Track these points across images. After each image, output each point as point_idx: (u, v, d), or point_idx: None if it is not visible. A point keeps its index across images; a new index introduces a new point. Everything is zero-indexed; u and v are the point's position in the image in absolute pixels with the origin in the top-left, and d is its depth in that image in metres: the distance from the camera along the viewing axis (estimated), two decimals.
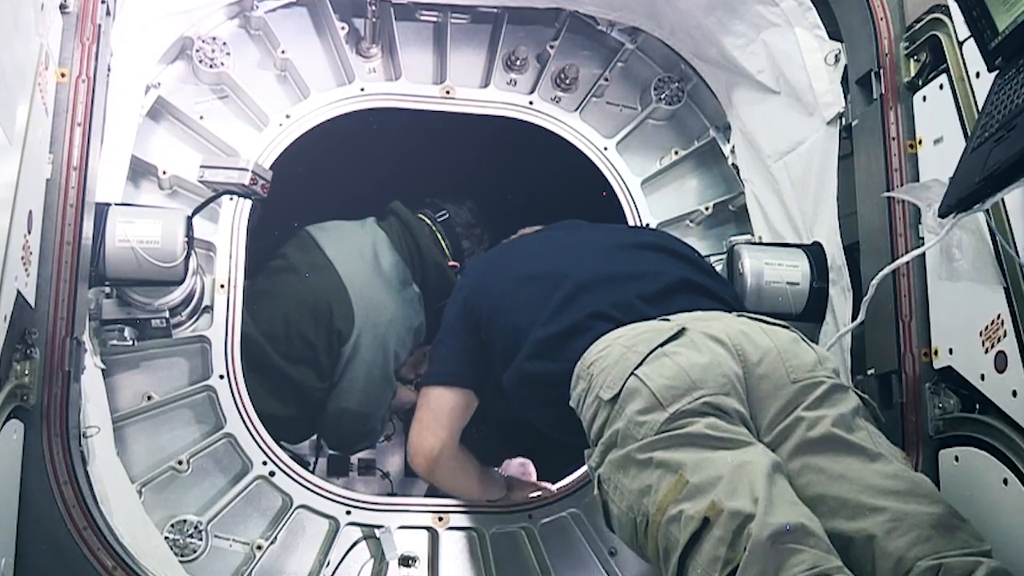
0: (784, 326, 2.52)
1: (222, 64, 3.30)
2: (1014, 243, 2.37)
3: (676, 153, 3.68)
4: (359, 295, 3.39)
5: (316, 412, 3.48)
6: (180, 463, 2.99)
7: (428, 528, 3.11)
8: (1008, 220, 2.39)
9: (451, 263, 3.63)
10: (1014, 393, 2.34)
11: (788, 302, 3.06)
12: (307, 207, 3.74)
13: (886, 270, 2.56)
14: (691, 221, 3.61)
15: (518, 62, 3.62)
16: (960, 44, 2.67)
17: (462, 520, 3.13)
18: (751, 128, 3.47)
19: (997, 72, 2.14)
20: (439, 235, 3.64)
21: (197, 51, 3.29)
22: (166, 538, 2.87)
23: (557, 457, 3.30)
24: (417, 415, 2.96)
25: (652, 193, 3.62)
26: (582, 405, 2.44)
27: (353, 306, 3.37)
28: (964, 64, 2.65)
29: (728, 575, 1.97)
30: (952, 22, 2.71)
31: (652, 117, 3.71)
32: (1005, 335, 2.37)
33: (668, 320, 2.48)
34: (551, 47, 3.65)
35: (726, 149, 3.64)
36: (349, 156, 3.88)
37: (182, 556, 2.87)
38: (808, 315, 3.08)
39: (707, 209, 3.60)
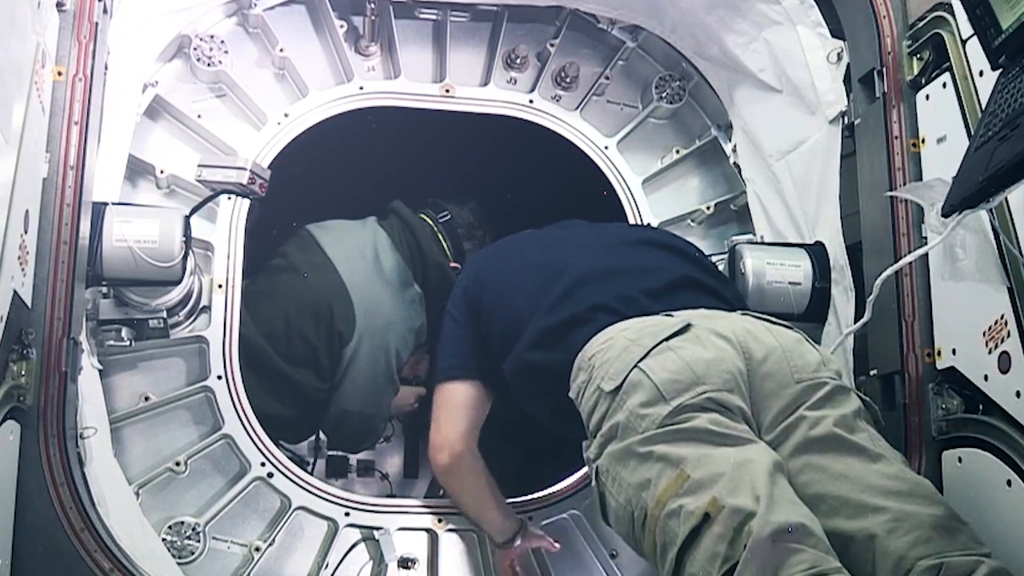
0: (788, 326, 2.51)
1: (220, 62, 3.29)
2: (1018, 242, 2.36)
3: (677, 152, 3.67)
4: (360, 296, 3.37)
5: (316, 412, 3.46)
6: (178, 464, 2.98)
7: (427, 530, 3.09)
8: (1012, 219, 2.38)
9: (452, 264, 3.61)
10: (1018, 394, 2.33)
11: (790, 302, 3.05)
12: (305, 207, 3.73)
13: (890, 270, 2.54)
14: (692, 220, 3.60)
15: (518, 60, 3.60)
16: (963, 42, 2.65)
17: (462, 522, 3.10)
18: (753, 127, 3.45)
19: (1000, 70, 2.12)
20: (440, 236, 3.62)
21: (195, 49, 3.27)
22: (164, 540, 2.85)
23: (557, 458, 3.29)
24: (433, 414, 2.93)
25: (653, 192, 3.60)
26: (582, 396, 2.42)
27: (354, 307, 3.35)
28: (967, 62, 2.63)
29: (726, 572, 1.95)
30: (955, 20, 2.70)
31: (653, 116, 3.69)
32: (1009, 335, 2.36)
33: (672, 316, 2.47)
34: (551, 45, 3.63)
35: (728, 148, 3.62)
36: (348, 155, 3.86)
37: (180, 558, 2.86)
38: (810, 315, 3.07)
39: (708, 208, 3.58)
